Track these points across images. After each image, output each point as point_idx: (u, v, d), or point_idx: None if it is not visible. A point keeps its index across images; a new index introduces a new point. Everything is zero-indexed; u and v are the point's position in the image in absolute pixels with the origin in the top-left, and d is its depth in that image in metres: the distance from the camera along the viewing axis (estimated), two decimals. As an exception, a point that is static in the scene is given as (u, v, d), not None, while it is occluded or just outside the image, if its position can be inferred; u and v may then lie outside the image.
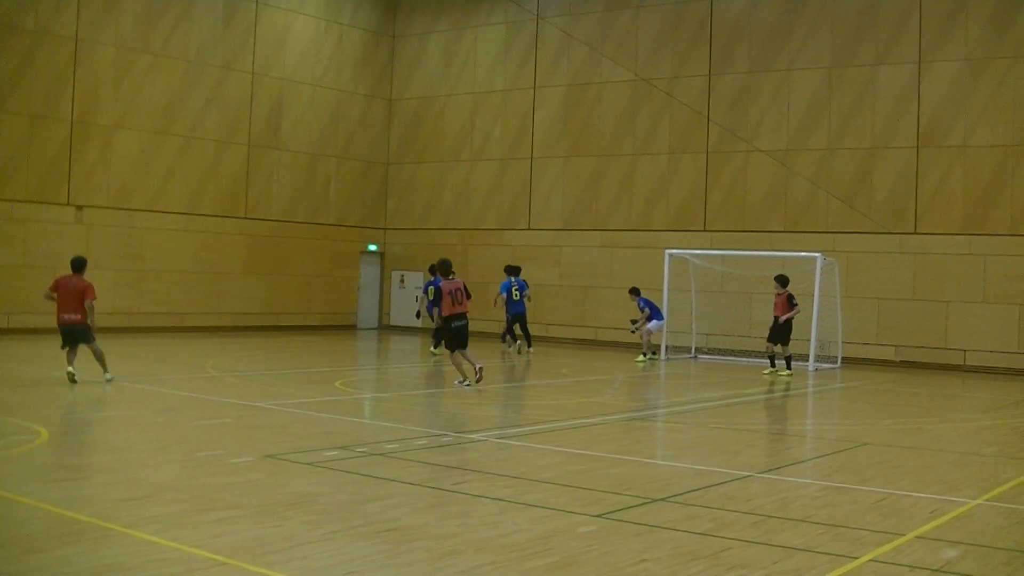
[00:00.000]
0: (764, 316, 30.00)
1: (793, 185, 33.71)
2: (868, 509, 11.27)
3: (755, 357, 30.91)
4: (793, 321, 27.50)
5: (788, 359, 27.80)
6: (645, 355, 30.79)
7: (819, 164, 33.38)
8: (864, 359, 31.75)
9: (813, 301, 29.42)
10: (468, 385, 21.18)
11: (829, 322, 30.47)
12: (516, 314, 31.45)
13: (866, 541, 9.72)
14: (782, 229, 33.57)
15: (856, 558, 9.04)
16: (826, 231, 32.84)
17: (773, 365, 27.97)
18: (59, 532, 9.13)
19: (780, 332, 27.57)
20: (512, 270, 31.65)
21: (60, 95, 32.61)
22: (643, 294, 31.15)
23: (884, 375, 29.14)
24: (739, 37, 34.90)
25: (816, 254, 30.05)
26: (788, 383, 25.90)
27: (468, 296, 21.74)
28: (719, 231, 34.68)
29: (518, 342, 31.51)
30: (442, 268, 22.03)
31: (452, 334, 21.45)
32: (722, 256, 32.60)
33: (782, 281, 27.68)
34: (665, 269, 31.83)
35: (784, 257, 31.05)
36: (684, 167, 35.71)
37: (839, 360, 30.85)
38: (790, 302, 27.41)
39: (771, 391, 24.01)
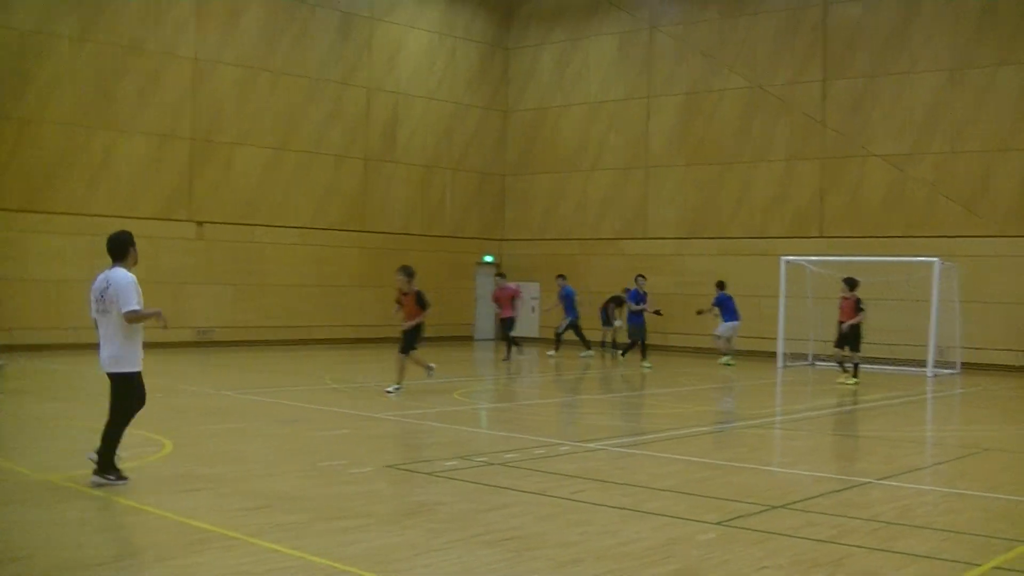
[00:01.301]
0: (881, 322, 29.66)
1: (911, 189, 33.30)
2: (991, 516, 11.15)
3: (873, 363, 30.60)
4: (862, 326, 26.47)
5: (856, 366, 26.70)
6: (725, 355, 31.65)
7: (938, 168, 32.94)
8: (986, 364, 31.25)
9: (932, 306, 29.07)
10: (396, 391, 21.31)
11: (948, 327, 30.06)
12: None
13: (989, 548, 9.62)
14: (900, 234, 33.16)
15: (979, 565, 8.96)
16: (945, 235, 32.38)
17: (845, 370, 27.16)
18: (186, 541, 9.33)
19: (846, 337, 26.46)
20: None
21: (182, 114, 33.20)
22: (733, 298, 31.43)
23: (1007, 381, 28.69)
24: (855, 41, 34.56)
25: (934, 259, 29.67)
26: (855, 388, 25.44)
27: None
28: (836, 237, 34.36)
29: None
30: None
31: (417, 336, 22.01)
32: (839, 262, 32.27)
33: (850, 284, 26.65)
34: (781, 276, 31.59)
35: (901, 262, 30.69)
36: (800, 173, 35.44)
37: (959, 365, 30.42)
38: (857, 306, 26.31)
39: (888, 398, 23.73)
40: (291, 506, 10.85)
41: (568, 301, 32.87)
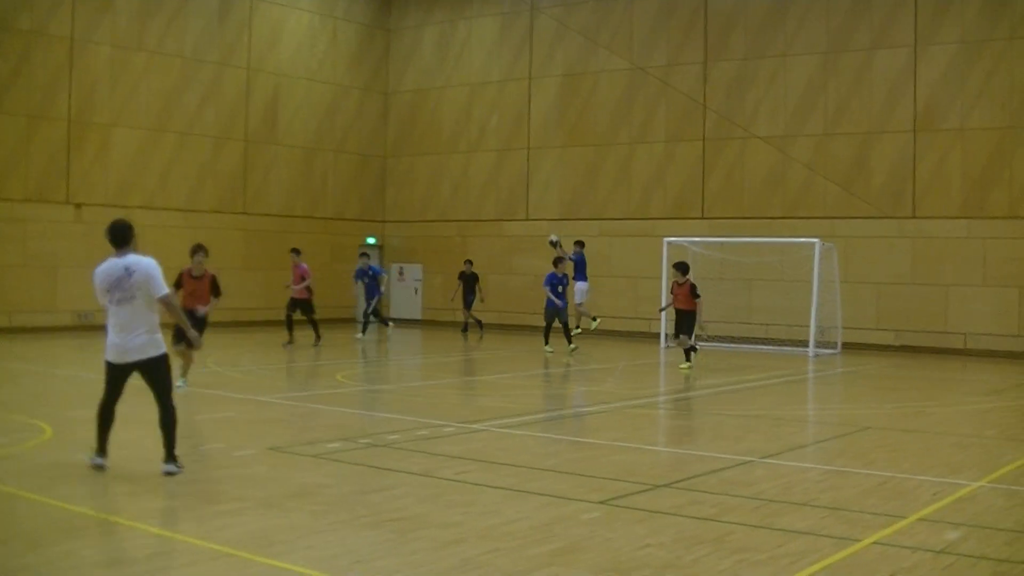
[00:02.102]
0: (763, 302, 30.07)
1: (790, 171, 33.72)
2: (871, 492, 11.31)
3: (755, 344, 30.96)
4: (698, 312, 25.14)
5: (688, 351, 25.36)
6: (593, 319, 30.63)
7: (816, 150, 33.38)
8: (864, 344, 31.74)
9: (813, 287, 29.43)
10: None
11: (828, 308, 30.48)
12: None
13: (869, 524, 9.77)
14: (780, 215, 33.55)
15: (859, 540, 9.09)
16: (824, 217, 32.82)
17: (688, 359, 25.47)
18: (64, 527, 9.18)
19: (684, 322, 25.31)
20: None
21: (56, 95, 32.62)
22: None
23: (884, 360, 29.17)
24: (734, 24, 34.86)
25: (814, 240, 30.06)
26: (689, 372, 25.63)
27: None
28: (717, 218, 34.67)
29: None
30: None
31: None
32: (720, 243, 32.55)
33: (682, 269, 25.46)
34: (663, 257, 31.80)
35: (782, 243, 31.05)
36: (681, 155, 35.71)
37: (839, 346, 30.87)
38: (693, 292, 25.04)
39: (770, 377, 23.99)
40: (172, 490, 10.74)
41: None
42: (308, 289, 29.61)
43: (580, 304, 30.52)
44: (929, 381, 24.55)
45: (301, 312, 29.64)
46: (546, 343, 29.25)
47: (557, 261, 29.46)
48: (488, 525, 9.44)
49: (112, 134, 33.89)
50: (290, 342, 28.99)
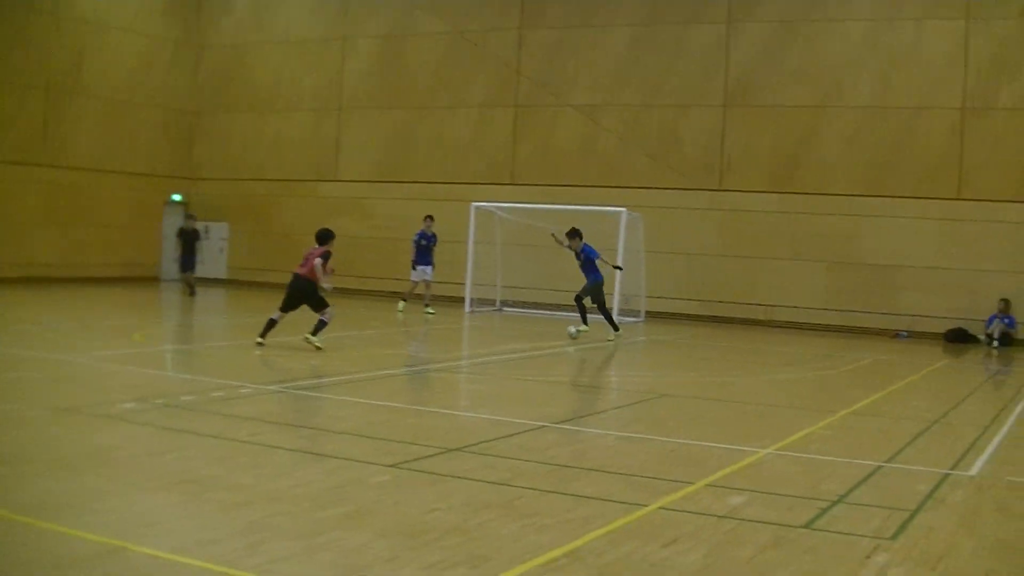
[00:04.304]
0: (570, 270, 30.15)
1: (603, 141, 33.98)
2: (662, 458, 11.45)
3: (561, 311, 31.18)
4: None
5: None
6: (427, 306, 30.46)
7: (629, 120, 33.70)
8: (672, 314, 32.20)
9: (618, 255, 29.65)
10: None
11: (634, 277, 30.80)
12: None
13: (657, 489, 9.86)
14: (591, 184, 33.79)
15: (646, 506, 9.14)
16: (635, 186, 33.15)
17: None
18: None
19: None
20: None
21: None
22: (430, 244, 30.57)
23: (690, 330, 29.62)
24: (552, -9, 35.03)
25: (621, 209, 30.32)
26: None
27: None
28: (528, 185, 34.78)
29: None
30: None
31: None
32: (529, 209, 32.64)
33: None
34: (471, 222, 31.84)
35: (590, 211, 31.26)
36: (495, 121, 35.75)
37: (643, 314, 31.24)
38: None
39: (575, 343, 24.13)
40: (-45, 453, 10.38)
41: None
42: None
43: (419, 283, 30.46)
44: (733, 351, 24.98)
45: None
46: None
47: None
48: (277, 488, 9.29)
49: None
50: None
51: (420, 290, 30.50)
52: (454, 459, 10.87)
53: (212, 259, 39.67)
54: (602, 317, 25.20)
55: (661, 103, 33.30)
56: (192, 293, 32.71)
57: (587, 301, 24.85)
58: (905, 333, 30.16)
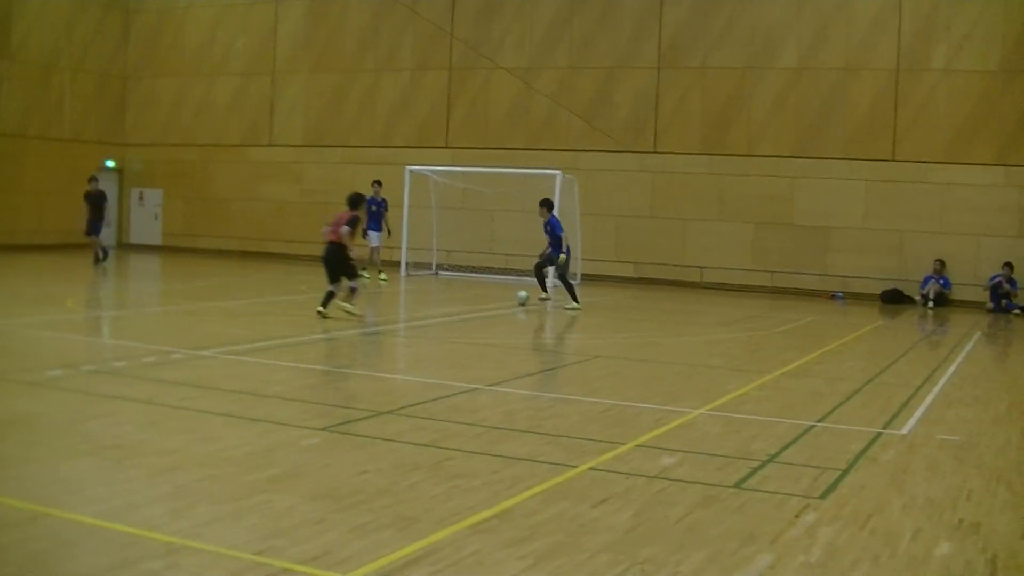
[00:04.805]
0: (505, 233, 30.23)
1: (535, 103, 33.92)
2: (593, 419, 11.44)
3: (496, 274, 31.15)
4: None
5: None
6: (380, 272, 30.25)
7: (561, 83, 33.64)
8: (604, 276, 32.24)
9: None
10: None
11: (570, 240, 30.72)
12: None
13: (587, 450, 9.85)
14: (524, 147, 33.75)
15: (575, 467, 9.15)
16: (567, 149, 33.15)
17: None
18: None
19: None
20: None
21: None
22: (385, 209, 30.47)
23: (622, 291, 29.68)
24: (482, -47, 34.85)
25: (556, 172, 30.28)
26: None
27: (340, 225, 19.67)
28: (461, 148, 34.67)
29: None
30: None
31: None
32: (463, 173, 32.56)
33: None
34: (405, 186, 31.73)
35: (524, 174, 31.22)
36: (427, 83, 35.58)
37: (579, 277, 31.25)
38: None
39: (511, 308, 24.11)
40: None
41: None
42: None
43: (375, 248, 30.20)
44: (663, 312, 25.07)
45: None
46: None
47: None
48: (206, 452, 9.23)
49: None
50: None
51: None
52: (385, 422, 10.83)
53: (147, 225, 39.33)
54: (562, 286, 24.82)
55: (594, 65, 33.26)
56: (102, 259, 31.29)
57: (551, 272, 24.65)
58: (841, 294, 30.36)
